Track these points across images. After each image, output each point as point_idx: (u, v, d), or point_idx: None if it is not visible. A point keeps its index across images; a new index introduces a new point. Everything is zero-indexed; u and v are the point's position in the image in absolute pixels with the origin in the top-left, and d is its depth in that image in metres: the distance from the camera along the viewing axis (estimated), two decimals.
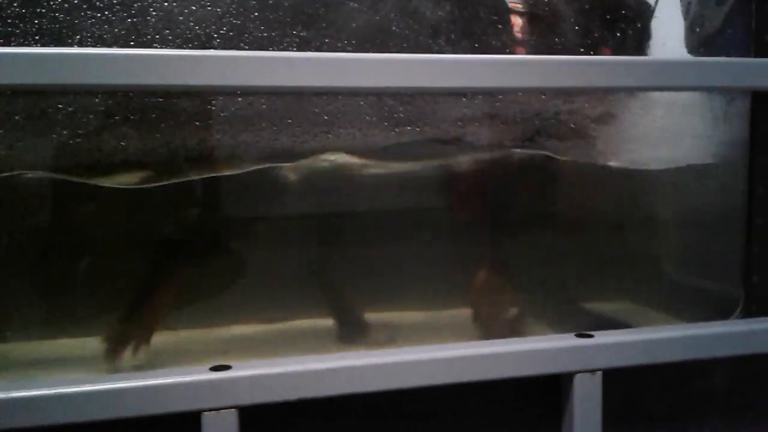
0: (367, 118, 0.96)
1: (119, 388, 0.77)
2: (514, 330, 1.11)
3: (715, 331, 0.95)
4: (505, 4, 1.11)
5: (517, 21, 1.12)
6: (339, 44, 0.95)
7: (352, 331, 1.07)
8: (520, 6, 1.14)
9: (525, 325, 1.11)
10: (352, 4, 0.97)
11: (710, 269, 1.18)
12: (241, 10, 0.91)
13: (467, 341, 0.92)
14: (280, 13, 0.93)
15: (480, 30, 1.05)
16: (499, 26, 1.07)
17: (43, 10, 0.85)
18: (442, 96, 0.99)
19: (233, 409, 0.79)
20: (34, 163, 0.90)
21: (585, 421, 0.90)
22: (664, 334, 0.93)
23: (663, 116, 1.12)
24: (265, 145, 0.93)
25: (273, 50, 0.92)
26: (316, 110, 0.94)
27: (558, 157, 1.08)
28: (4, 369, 0.94)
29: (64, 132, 0.88)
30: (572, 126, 1.06)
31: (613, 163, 1.12)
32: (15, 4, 0.84)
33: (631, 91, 1.09)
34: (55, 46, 0.86)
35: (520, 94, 1.02)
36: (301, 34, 0.93)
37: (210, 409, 0.79)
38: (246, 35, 0.92)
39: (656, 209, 1.24)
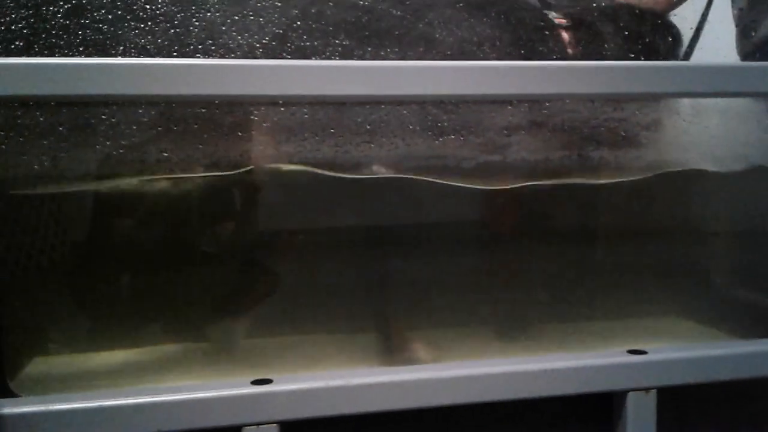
0: (410, 127, 0.95)
1: (160, 402, 0.76)
2: None
3: None
4: (550, 19, 1.10)
5: (561, 36, 1.11)
6: (382, 52, 0.93)
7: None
8: (564, 21, 1.12)
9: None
10: (395, 12, 0.95)
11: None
12: (284, 19, 0.91)
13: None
14: (323, 22, 0.92)
15: (525, 38, 1.03)
16: (544, 37, 1.05)
17: (87, 21, 0.86)
18: (487, 104, 0.97)
19: (274, 424, 0.78)
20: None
21: None
22: (723, 351, 0.89)
23: (717, 124, 1.08)
24: (308, 155, 0.92)
25: (315, 59, 0.91)
26: (359, 119, 0.93)
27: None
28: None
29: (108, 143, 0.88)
30: (622, 134, 1.03)
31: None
32: (59, 16, 0.85)
33: (681, 97, 1.06)
34: (99, 57, 0.86)
35: (567, 101, 0.99)
36: (344, 42, 0.92)
37: (251, 424, 0.77)
38: (288, 44, 0.91)
39: (708, 218, 1.20)
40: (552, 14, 1.14)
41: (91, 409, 0.75)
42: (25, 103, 0.83)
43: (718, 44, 1.26)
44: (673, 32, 1.22)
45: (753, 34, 1.32)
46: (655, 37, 1.16)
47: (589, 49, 1.09)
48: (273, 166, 0.93)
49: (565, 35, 1.11)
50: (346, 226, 1.05)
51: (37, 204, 0.96)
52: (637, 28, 1.13)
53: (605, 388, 0.86)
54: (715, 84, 0.90)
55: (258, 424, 0.77)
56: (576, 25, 1.12)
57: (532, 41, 1.04)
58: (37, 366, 0.95)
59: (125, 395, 0.76)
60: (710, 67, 0.90)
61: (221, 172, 0.91)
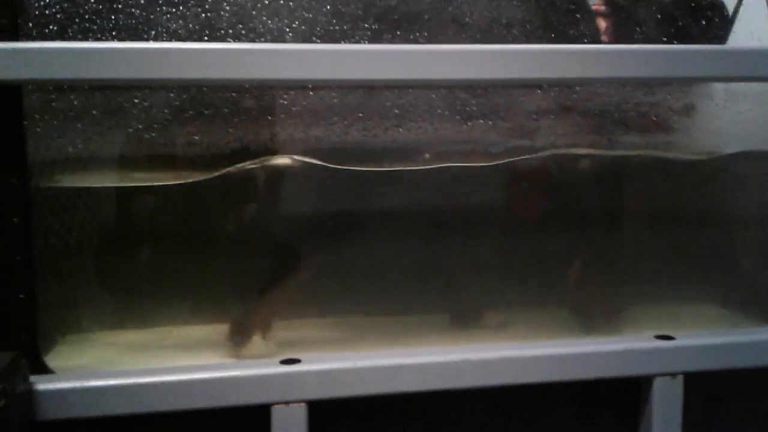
0: (439, 111, 0.95)
1: (191, 380, 0.78)
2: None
3: None
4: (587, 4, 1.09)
5: (597, 20, 1.09)
6: (411, 36, 0.93)
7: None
8: (602, 7, 1.11)
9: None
10: None
11: None
12: (313, 3, 0.91)
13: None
14: (352, 6, 0.92)
15: (557, 22, 1.02)
16: (577, 19, 1.04)
17: (120, 6, 0.87)
18: (516, 88, 0.97)
19: (302, 403, 0.79)
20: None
21: (664, 426, 0.87)
22: (750, 337, 0.88)
23: (750, 108, 1.07)
24: (337, 140, 0.93)
25: (345, 43, 0.92)
26: (387, 104, 0.93)
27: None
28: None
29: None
30: (654, 118, 1.02)
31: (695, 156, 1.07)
32: (92, 1, 0.86)
33: (716, 81, 1.05)
34: (131, 41, 0.87)
35: (598, 85, 0.98)
36: (374, 26, 0.92)
37: (279, 403, 0.79)
38: (318, 29, 0.91)
39: (740, 206, 1.19)
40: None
41: (123, 386, 0.76)
42: (60, 86, 0.85)
43: (753, 28, 1.23)
44: (720, 13, 1.20)
45: None
46: (698, 20, 1.15)
47: (625, 34, 1.07)
48: None
49: (601, 21, 1.10)
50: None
51: (68, 188, 0.97)
52: (677, 11, 1.11)
53: (632, 373, 0.86)
54: (750, 68, 0.89)
55: (287, 402, 0.79)
56: (613, 10, 1.11)
57: (564, 25, 1.03)
58: (70, 343, 0.97)
59: (156, 373, 0.78)
60: (744, 51, 0.89)
61: None
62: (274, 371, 0.79)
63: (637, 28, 1.07)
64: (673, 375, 0.86)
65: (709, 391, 0.92)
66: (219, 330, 1.00)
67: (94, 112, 0.87)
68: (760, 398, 0.95)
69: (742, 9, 1.22)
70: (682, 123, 1.07)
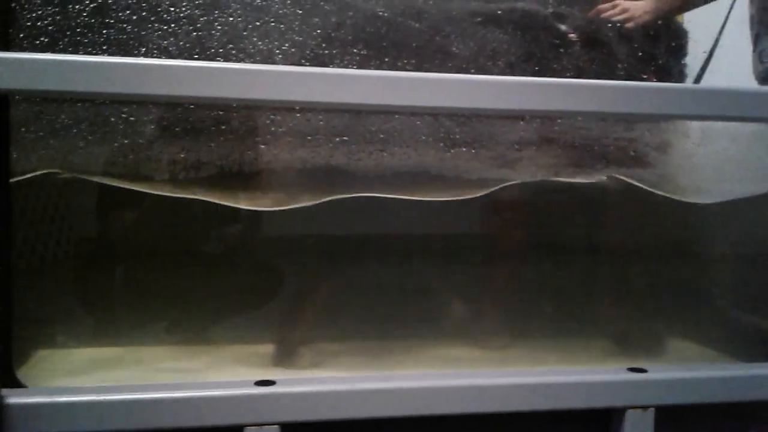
0: (423, 137, 0.96)
1: (164, 398, 0.77)
2: None
3: None
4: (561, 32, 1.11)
5: (573, 50, 1.12)
6: (399, 63, 0.94)
7: None
8: (575, 36, 1.13)
9: None
10: (413, 24, 0.96)
11: None
12: (304, 27, 0.92)
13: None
14: (342, 31, 0.94)
15: (539, 54, 1.04)
16: (557, 53, 1.06)
17: (112, 21, 0.87)
18: (499, 118, 0.98)
19: (276, 426, 0.79)
20: None
21: None
22: (722, 373, 0.89)
23: (726, 147, 1.09)
24: (321, 162, 0.93)
25: (333, 67, 0.92)
26: (373, 128, 0.94)
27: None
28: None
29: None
30: (632, 153, 1.03)
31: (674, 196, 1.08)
32: (84, 14, 0.86)
33: (693, 119, 1.07)
34: (122, 56, 0.87)
35: (579, 119, 1.00)
36: (362, 52, 0.93)
37: (253, 424, 0.78)
38: (307, 52, 0.92)
39: (714, 242, 1.20)
40: (563, 28, 1.15)
41: (96, 402, 0.76)
42: (47, 98, 0.85)
43: (734, 68, 1.26)
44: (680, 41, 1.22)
45: (766, 60, 1.32)
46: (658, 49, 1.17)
47: (597, 61, 1.09)
48: None
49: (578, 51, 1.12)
50: None
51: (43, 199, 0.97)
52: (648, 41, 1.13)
53: (604, 404, 0.87)
54: (729, 108, 0.91)
55: (260, 424, 0.78)
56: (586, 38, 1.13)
57: (547, 58, 1.05)
58: (41, 357, 0.96)
59: (130, 390, 0.78)
60: (724, 91, 0.91)
61: None
62: (248, 392, 0.79)
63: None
64: (645, 408, 0.87)
65: (679, 424, 0.93)
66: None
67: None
68: None
69: (725, 49, 1.25)
70: (659, 159, 1.08)
